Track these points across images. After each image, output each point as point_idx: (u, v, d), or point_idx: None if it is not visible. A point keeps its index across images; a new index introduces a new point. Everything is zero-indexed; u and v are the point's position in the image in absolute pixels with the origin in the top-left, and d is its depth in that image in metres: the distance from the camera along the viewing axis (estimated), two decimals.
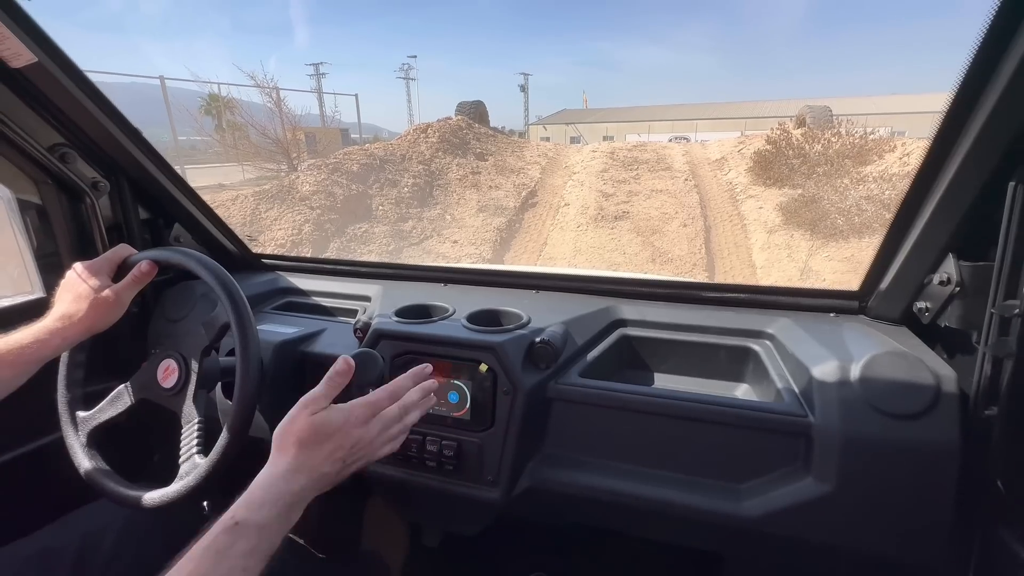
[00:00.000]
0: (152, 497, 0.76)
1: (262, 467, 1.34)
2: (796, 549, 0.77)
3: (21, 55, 0.83)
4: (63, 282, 0.81)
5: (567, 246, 8.64)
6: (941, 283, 0.73)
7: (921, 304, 0.79)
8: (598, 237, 8.72)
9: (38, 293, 1.08)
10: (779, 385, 0.81)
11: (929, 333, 0.80)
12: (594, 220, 9.27)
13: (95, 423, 0.84)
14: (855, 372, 0.72)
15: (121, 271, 0.84)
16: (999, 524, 0.67)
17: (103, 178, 1.09)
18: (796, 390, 0.78)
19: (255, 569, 0.48)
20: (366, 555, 1.13)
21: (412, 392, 0.66)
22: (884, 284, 0.84)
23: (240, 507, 0.52)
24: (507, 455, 0.83)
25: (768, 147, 10.38)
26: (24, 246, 1.05)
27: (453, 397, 0.86)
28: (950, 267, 0.72)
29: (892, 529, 0.70)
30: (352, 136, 20.28)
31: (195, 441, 0.78)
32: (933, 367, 0.70)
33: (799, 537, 0.74)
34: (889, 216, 0.78)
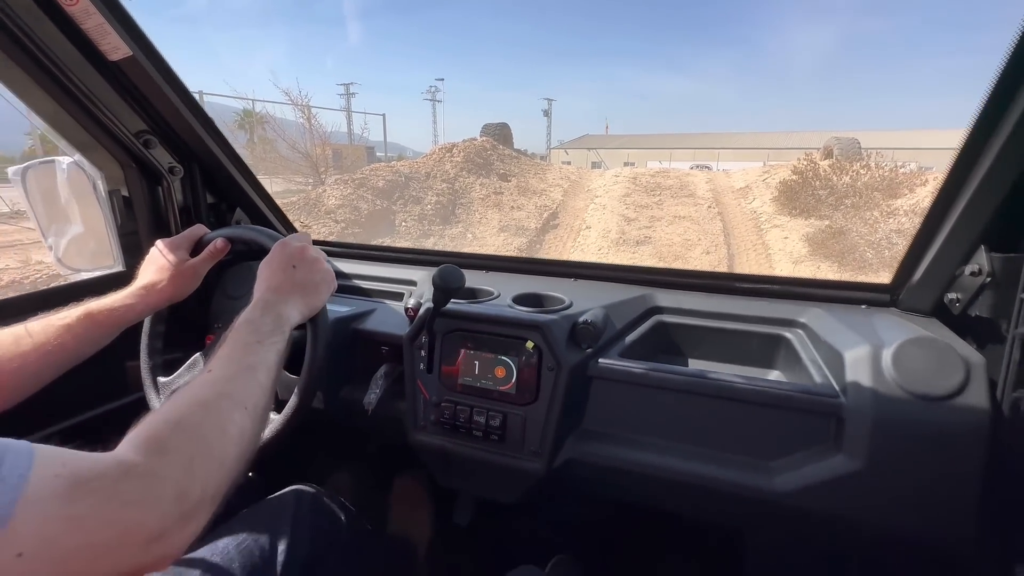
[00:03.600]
0: None
1: (312, 439, 1.42)
2: (825, 524, 0.80)
3: (119, 49, 0.95)
4: (148, 256, 0.91)
5: None
6: (972, 274, 0.78)
7: (952, 295, 0.84)
8: (619, 261, 8.78)
9: (119, 267, 1.19)
10: (811, 370, 0.85)
11: (959, 324, 0.85)
12: (615, 244, 9.35)
13: (175, 387, 0.93)
14: (887, 356, 0.77)
15: (197, 248, 0.94)
16: None
17: (178, 163, 1.20)
18: (828, 374, 0.83)
19: (265, 341, 0.65)
20: (398, 530, 1.18)
21: None
22: (916, 276, 0.89)
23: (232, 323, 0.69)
24: (549, 428, 0.89)
25: (794, 177, 10.42)
26: (109, 224, 1.17)
27: (500, 372, 0.92)
28: (982, 258, 0.76)
29: (920, 506, 0.73)
30: (378, 154, 21.04)
31: None
32: (963, 352, 0.74)
33: (829, 511, 0.77)
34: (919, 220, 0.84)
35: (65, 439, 1.05)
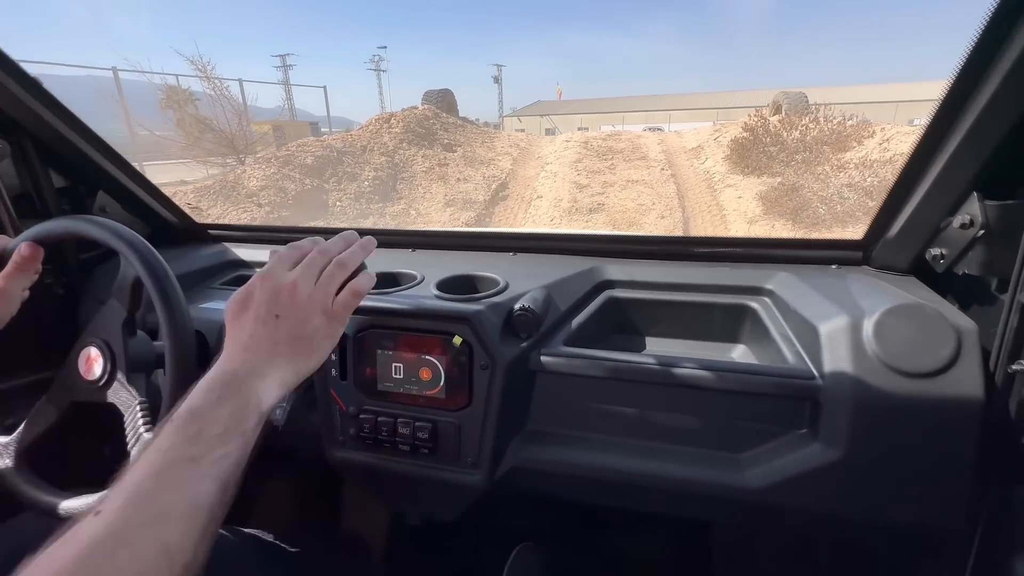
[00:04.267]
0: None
1: None
2: (800, 518, 0.75)
3: None
4: None
5: None
6: (962, 226, 0.70)
7: (936, 251, 0.77)
8: (571, 230, 8.77)
9: None
10: (781, 345, 0.78)
11: (941, 282, 0.79)
12: (568, 213, 9.31)
13: (20, 446, 0.76)
14: (867, 328, 0.69)
15: (2, 261, 0.75)
16: (1017, 483, 0.66)
17: (0, 139, 0.99)
18: (801, 350, 0.76)
19: (206, 455, 0.45)
20: (345, 540, 1.08)
21: (337, 240, 0.63)
22: (893, 230, 0.82)
23: (177, 407, 0.48)
24: (487, 434, 0.79)
25: (745, 134, 10.66)
26: None
27: (425, 375, 0.81)
28: (973, 208, 0.68)
29: (905, 494, 0.68)
30: (322, 129, 20.09)
31: (140, 421, 0.71)
32: (953, 320, 0.67)
33: (805, 506, 0.71)
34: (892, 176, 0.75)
35: None
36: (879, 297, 0.74)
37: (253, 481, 1.37)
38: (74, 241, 0.91)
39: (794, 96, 13.59)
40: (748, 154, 10.24)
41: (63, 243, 0.82)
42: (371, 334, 0.82)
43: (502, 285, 0.87)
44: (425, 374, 0.80)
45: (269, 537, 0.92)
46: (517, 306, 0.80)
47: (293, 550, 0.91)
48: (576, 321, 0.87)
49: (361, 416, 0.84)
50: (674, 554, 1.27)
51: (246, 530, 0.89)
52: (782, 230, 7.92)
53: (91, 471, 0.78)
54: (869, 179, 8.16)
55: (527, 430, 0.83)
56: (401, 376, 0.82)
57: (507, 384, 0.78)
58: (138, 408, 0.72)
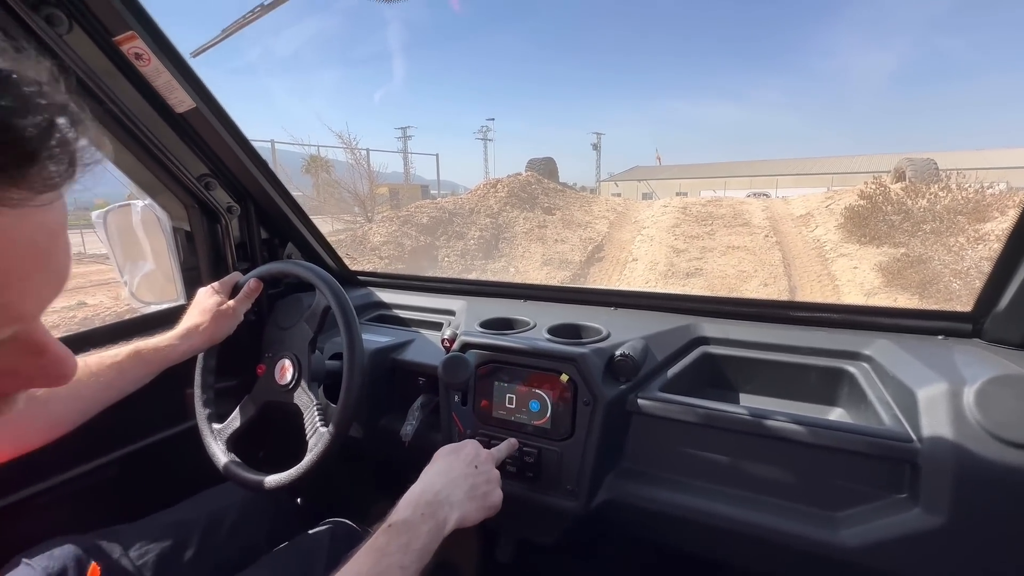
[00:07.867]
0: (290, 474, 0.87)
1: (352, 469, 1.45)
2: None
3: (184, 102, 1.05)
4: (192, 303, 1.01)
5: None
6: None
7: None
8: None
9: (181, 300, 1.30)
10: (879, 408, 0.78)
11: None
12: (663, 276, 9.15)
13: (230, 432, 0.99)
14: (969, 396, 0.69)
15: (236, 291, 1.04)
16: None
17: (235, 202, 1.31)
18: (899, 414, 0.76)
19: (410, 566, 0.58)
20: (440, 564, 1.17)
21: (505, 445, 0.87)
22: (1003, 303, 0.81)
23: (392, 513, 0.64)
24: (586, 465, 0.86)
25: (862, 202, 9.91)
26: (174, 260, 1.28)
27: (534, 406, 0.91)
28: None
29: (1017, 567, 0.64)
30: (432, 192, 22.36)
31: (318, 418, 0.90)
32: None
33: (904, 572, 0.69)
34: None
35: (126, 465, 1.14)
36: (983, 367, 0.73)
37: (377, 484, 1.53)
38: (282, 278, 1.16)
39: (920, 163, 12.46)
40: (865, 223, 9.47)
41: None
42: (490, 368, 0.95)
43: (604, 333, 0.97)
44: (534, 406, 0.91)
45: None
46: (618, 352, 0.89)
47: None
48: (671, 371, 0.94)
49: (476, 438, 0.95)
50: None
51: (363, 527, 1.02)
52: (907, 304, 7.12)
53: (277, 455, 0.98)
54: None
55: (622, 467, 0.89)
56: (513, 406, 0.93)
57: (606, 421, 0.86)
58: (315, 409, 0.91)
